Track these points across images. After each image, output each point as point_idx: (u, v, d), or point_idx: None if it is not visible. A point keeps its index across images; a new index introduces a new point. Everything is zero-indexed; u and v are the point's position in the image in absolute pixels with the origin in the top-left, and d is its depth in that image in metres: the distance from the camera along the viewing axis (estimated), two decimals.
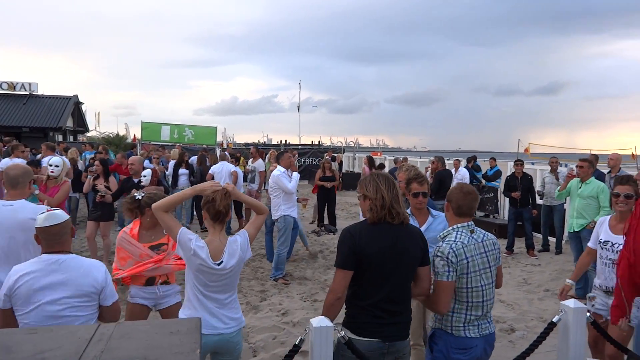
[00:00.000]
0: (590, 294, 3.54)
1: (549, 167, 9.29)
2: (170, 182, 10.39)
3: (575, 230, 6.50)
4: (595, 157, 8.46)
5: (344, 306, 2.65)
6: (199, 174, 10.41)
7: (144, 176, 6.64)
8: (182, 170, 10.55)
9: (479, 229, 2.85)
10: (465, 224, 2.77)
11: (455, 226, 2.77)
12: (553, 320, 2.84)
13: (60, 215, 2.55)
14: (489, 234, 2.87)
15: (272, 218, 7.03)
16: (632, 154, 16.83)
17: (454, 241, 2.69)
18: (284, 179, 6.84)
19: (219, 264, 2.73)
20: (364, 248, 2.52)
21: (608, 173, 7.87)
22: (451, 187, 3.22)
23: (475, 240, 2.74)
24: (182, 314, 2.84)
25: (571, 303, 2.83)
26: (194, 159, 11.52)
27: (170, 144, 19.45)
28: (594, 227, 6.08)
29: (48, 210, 2.59)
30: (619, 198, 3.43)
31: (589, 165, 6.48)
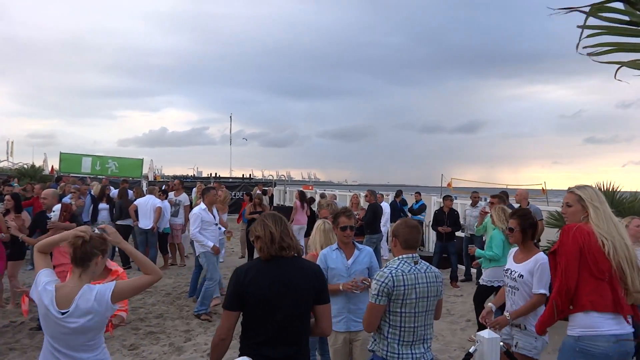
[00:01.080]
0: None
1: (470, 201, 9.84)
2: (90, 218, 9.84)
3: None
4: (505, 194, 9.09)
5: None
6: (119, 208, 9.96)
7: (53, 211, 6.24)
8: (102, 205, 10.04)
9: (423, 261, 3.01)
10: (410, 255, 2.94)
11: (400, 256, 2.95)
12: (470, 351, 2.95)
13: None
14: (433, 267, 3.03)
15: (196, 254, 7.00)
16: (543, 189, 18.18)
17: (395, 268, 2.86)
18: (199, 217, 6.90)
19: (63, 313, 2.43)
20: (248, 286, 2.50)
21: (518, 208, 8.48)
22: (382, 220, 3.42)
23: (418, 270, 2.89)
24: None
25: (485, 334, 2.97)
26: (116, 192, 11.02)
27: (91, 176, 18.52)
28: (476, 267, 6.52)
29: None
30: (510, 232, 3.76)
31: (498, 200, 6.95)
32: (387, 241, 10.97)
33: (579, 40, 1.23)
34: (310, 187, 25.13)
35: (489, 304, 3.85)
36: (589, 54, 1.23)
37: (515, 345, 3.53)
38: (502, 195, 7.29)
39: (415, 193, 14.02)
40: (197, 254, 7.06)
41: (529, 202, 8.33)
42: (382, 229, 11.38)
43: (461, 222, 9.66)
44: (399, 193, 13.94)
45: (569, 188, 3.09)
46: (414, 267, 2.89)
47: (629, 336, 2.77)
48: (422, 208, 13.04)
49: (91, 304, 2.46)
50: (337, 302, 3.61)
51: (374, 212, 9.47)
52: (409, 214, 13.19)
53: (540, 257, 3.52)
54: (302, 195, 11.09)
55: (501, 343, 3.01)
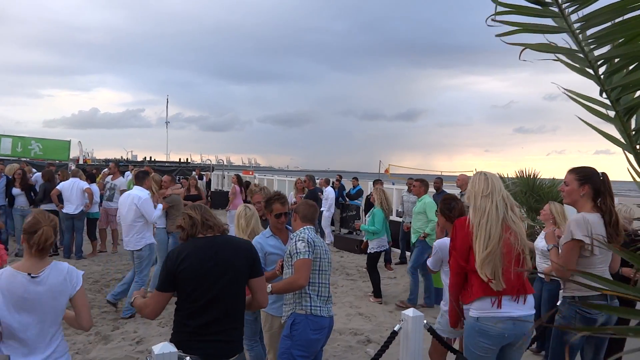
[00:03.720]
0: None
1: (406, 187, 10.12)
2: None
3: (413, 242, 7.17)
4: (440, 179, 9.45)
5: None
6: (42, 192, 9.34)
7: None
8: (16, 191, 9.36)
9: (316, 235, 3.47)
10: (311, 227, 3.43)
11: (304, 227, 3.40)
12: (394, 329, 3.04)
13: None
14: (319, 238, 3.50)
15: (132, 248, 6.15)
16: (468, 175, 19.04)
17: (308, 234, 3.33)
18: (149, 204, 6.16)
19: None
20: (180, 265, 2.51)
21: (460, 193, 8.83)
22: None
23: (318, 237, 3.43)
24: None
25: (410, 312, 3.06)
26: (38, 176, 10.35)
27: (13, 158, 17.29)
28: (424, 237, 6.83)
29: None
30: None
31: (420, 184, 7.27)
32: (331, 224, 11.20)
33: (493, 14, 1.24)
34: (250, 172, 24.87)
35: None
36: (498, 35, 1.26)
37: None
38: (423, 179, 7.65)
39: (353, 179, 14.24)
40: (137, 247, 6.18)
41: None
42: (326, 213, 11.52)
43: (398, 208, 9.92)
44: (338, 179, 14.18)
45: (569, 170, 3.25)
46: (315, 235, 3.38)
47: (527, 318, 2.87)
48: (359, 193, 13.30)
49: None
50: None
51: (314, 197, 9.56)
52: (347, 199, 13.40)
53: (439, 241, 3.81)
54: (239, 180, 10.94)
55: (424, 321, 3.12)
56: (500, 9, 1.29)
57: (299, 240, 3.25)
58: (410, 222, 7.55)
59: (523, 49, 1.26)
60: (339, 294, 7.37)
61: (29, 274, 2.40)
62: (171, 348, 2.30)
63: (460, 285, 2.97)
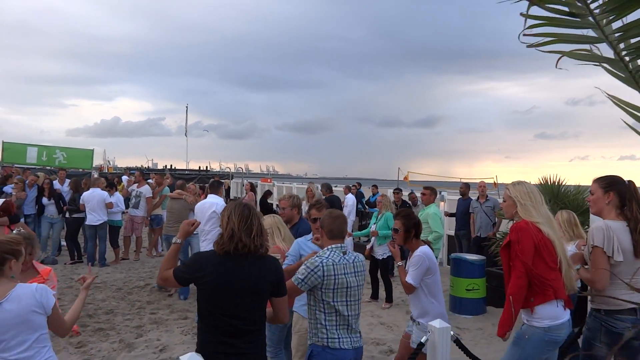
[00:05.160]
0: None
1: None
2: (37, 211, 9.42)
3: None
4: (466, 185, 9.38)
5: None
6: (73, 202, 9.54)
7: None
8: (46, 200, 9.56)
9: (351, 251, 3.07)
10: (338, 245, 2.99)
11: (330, 246, 2.98)
12: (421, 340, 3.00)
13: None
14: (360, 254, 3.11)
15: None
16: (494, 183, 18.82)
17: (326, 257, 2.91)
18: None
19: None
20: (202, 277, 2.50)
21: (477, 199, 8.73)
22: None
23: (347, 260, 2.95)
24: None
25: (437, 323, 3.02)
26: (56, 184, 10.58)
27: (38, 167, 17.70)
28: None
29: None
30: (394, 232, 3.81)
31: (430, 192, 7.17)
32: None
33: (523, 29, 1.24)
34: (269, 180, 24.97)
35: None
36: (530, 46, 1.25)
37: (409, 338, 3.66)
38: (432, 188, 7.60)
39: (372, 186, 14.20)
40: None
41: (487, 196, 8.63)
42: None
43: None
44: (357, 186, 14.21)
45: (507, 185, 3.24)
46: (343, 257, 2.94)
47: (570, 321, 3.04)
48: None
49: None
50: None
51: (331, 205, 9.57)
52: (366, 207, 13.36)
53: (420, 251, 3.63)
54: (253, 187, 11.10)
55: (452, 332, 3.08)
56: (531, 22, 1.28)
57: (306, 265, 2.92)
58: None
59: (560, 57, 1.24)
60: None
61: None
62: (198, 358, 2.31)
63: (525, 289, 2.94)
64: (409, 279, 3.49)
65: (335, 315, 2.90)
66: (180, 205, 8.04)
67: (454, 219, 9.44)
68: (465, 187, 9.25)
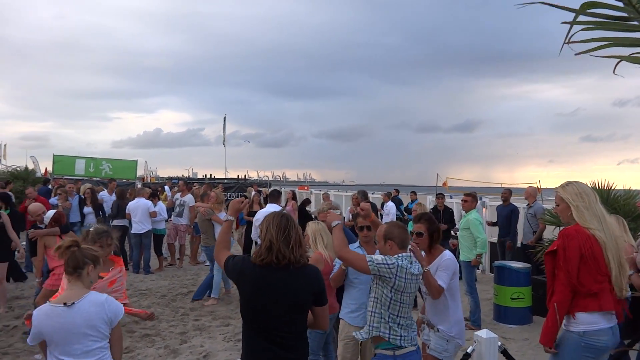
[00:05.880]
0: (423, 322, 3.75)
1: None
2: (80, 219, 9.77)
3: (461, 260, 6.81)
4: (508, 191, 9.10)
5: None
6: (116, 208, 9.86)
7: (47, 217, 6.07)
8: (87, 209, 9.90)
9: (415, 260, 3.05)
10: (408, 254, 3.03)
11: (399, 254, 2.98)
12: (467, 351, 2.93)
13: None
14: (418, 264, 3.06)
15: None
16: (537, 188, 18.28)
17: (401, 259, 2.93)
18: None
19: (68, 306, 2.57)
20: (238, 283, 2.56)
21: (527, 206, 8.47)
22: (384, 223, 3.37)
23: (414, 268, 2.97)
24: None
25: (483, 333, 2.95)
26: (103, 194, 10.96)
27: (86, 178, 18.41)
28: (475, 263, 6.53)
29: None
30: (413, 236, 3.60)
31: (471, 199, 6.95)
32: None
33: (568, 37, 1.21)
34: (306, 188, 25.11)
35: (420, 315, 3.82)
36: (580, 53, 1.21)
37: (428, 346, 3.54)
38: (474, 194, 7.33)
39: (411, 192, 14.03)
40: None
41: (535, 200, 8.37)
42: None
43: (457, 225, 9.65)
44: (395, 193, 14.09)
45: (555, 188, 3.12)
46: (410, 265, 2.95)
47: (617, 328, 2.90)
48: None
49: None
50: (357, 297, 3.74)
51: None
52: (405, 213, 13.22)
53: (445, 255, 3.53)
54: (295, 196, 11.22)
55: (499, 343, 3.00)
56: (577, 28, 1.25)
57: (384, 256, 2.97)
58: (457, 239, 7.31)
59: (618, 62, 1.20)
60: None
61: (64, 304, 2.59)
62: None
63: (570, 299, 2.84)
64: (440, 282, 3.41)
65: (397, 318, 2.95)
66: (198, 217, 8.29)
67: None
68: (507, 193, 8.98)
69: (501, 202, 9.03)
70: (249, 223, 9.76)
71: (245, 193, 13.81)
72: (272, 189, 8.59)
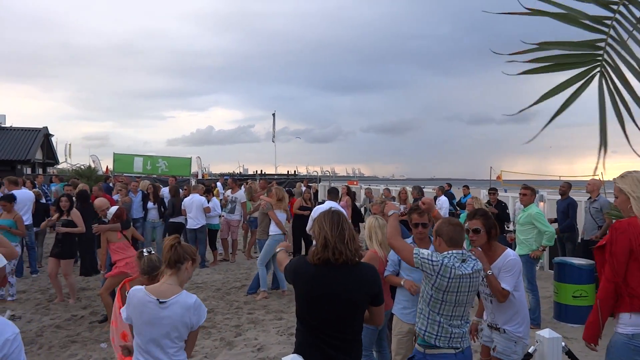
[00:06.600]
0: (480, 325, 3.60)
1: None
2: (143, 215, 10.18)
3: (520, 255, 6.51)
4: (567, 184, 8.65)
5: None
6: (171, 206, 10.21)
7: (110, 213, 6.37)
8: (150, 205, 10.28)
9: (471, 258, 2.87)
10: (460, 252, 2.86)
11: (450, 252, 2.85)
12: (529, 351, 2.82)
13: None
14: (479, 263, 2.90)
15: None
16: (600, 180, 17.33)
17: (448, 259, 2.78)
18: None
19: (162, 302, 2.67)
20: (294, 281, 2.59)
21: (588, 199, 8.04)
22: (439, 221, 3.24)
23: (465, 268, 2.79)
24: None
25: (546, 333, 2.82)
26: (165, 190, 11.37)
27: (143, 175, 19.19)
28: (536, 255, 6.24)
29: None
30: (469, 233, 3.39)
31: (530, 192, 6.63)
32: None
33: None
34: (355, 183, 25.05)
35: (474, 318, 3.65)
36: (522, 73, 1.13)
37: (494, 349, 3.38)
38: (532, 187, 6.97)
39: (463, 187, 13.69)
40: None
41: (599, 194, 7.91)
42: None
43: (513, 219, 9.32)
44: (447, 187, 13.80)
45: (614, 178, 2.91)
46: (460, 264, 2.80)
47: None
48: None
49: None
50: (409, 294, 3.73)
51: None
52: (458, 208, 12.91)
53: (509, 254, 3.33)
54: (348, 190, 11.21)
55: (563, 343, 2.86)
56: None
57: (431, 252, 2.86)
58: (514, 233, 7.00)
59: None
60: None
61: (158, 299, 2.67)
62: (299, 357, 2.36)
63: (614, 296, 2.70)
64: (505, 285, 3.25)
65: (447, 317, 2.83)
66: (259, 210, 8.45)
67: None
68: (566, 186, 8.54)
69: (559, 196, 8.62)
70: (295, 217, 9.84)
71: (293, 189, 13.95)
72: (331, 186, 8.71)
